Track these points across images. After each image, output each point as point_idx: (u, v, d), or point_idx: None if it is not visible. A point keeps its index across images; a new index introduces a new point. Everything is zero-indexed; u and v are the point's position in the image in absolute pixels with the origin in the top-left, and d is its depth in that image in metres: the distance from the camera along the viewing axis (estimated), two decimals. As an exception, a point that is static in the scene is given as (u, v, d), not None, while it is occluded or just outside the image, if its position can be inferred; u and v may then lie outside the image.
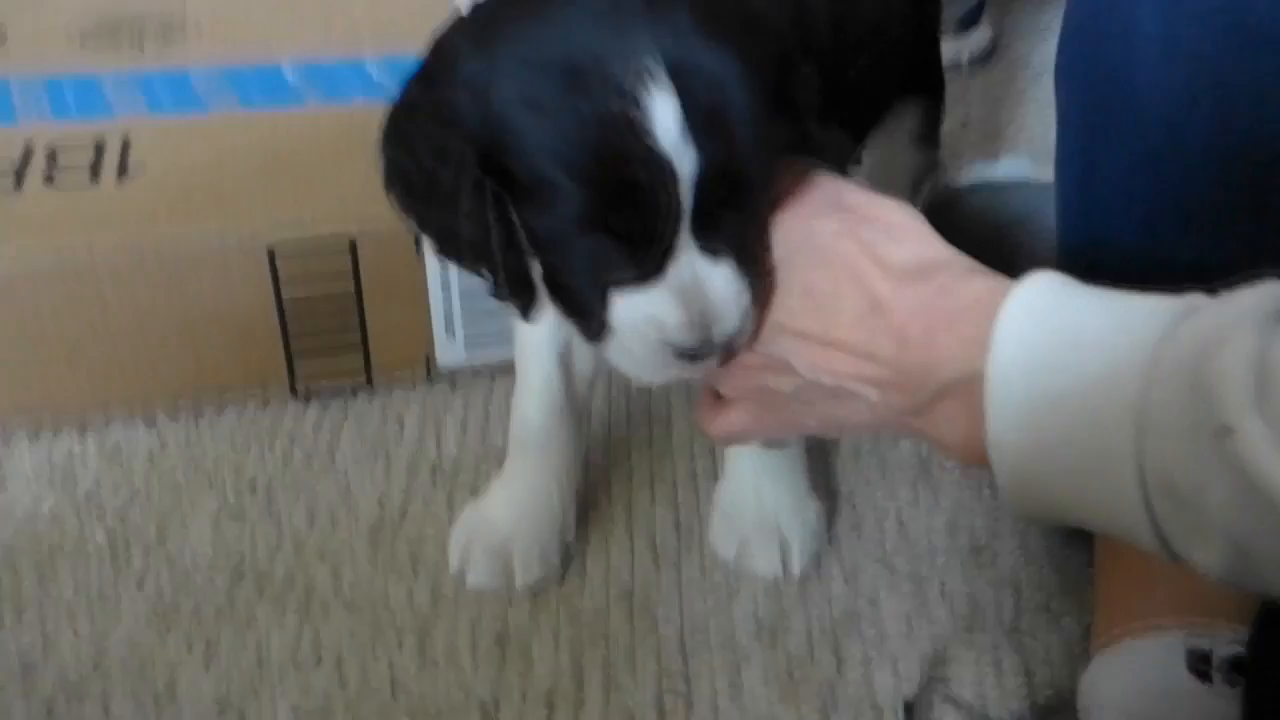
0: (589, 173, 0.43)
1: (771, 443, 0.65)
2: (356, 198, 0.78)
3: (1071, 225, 0.64)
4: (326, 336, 0.80)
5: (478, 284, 0.77)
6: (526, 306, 0.51)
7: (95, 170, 0.81)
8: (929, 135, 0.85)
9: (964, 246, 0.48)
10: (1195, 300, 0.39)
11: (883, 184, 0.81)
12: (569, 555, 0.69)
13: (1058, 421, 0.39)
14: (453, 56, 0.47)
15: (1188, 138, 0.55)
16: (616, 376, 0.61)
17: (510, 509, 0.67)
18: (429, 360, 0.82)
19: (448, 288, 0.80)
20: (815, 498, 0.69)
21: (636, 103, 0.42)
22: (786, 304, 0.48)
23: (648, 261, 0.45)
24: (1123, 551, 0.54)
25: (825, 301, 0.47)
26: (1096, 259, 0.60)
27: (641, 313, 0.46)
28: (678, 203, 0.44)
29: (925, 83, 0.83)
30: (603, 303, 0.47)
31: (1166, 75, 0.55)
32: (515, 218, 0.47)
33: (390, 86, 0.91)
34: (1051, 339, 0.41)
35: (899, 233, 0.48)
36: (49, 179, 0.80)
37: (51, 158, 0.82)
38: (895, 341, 0.45)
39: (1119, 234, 0.59)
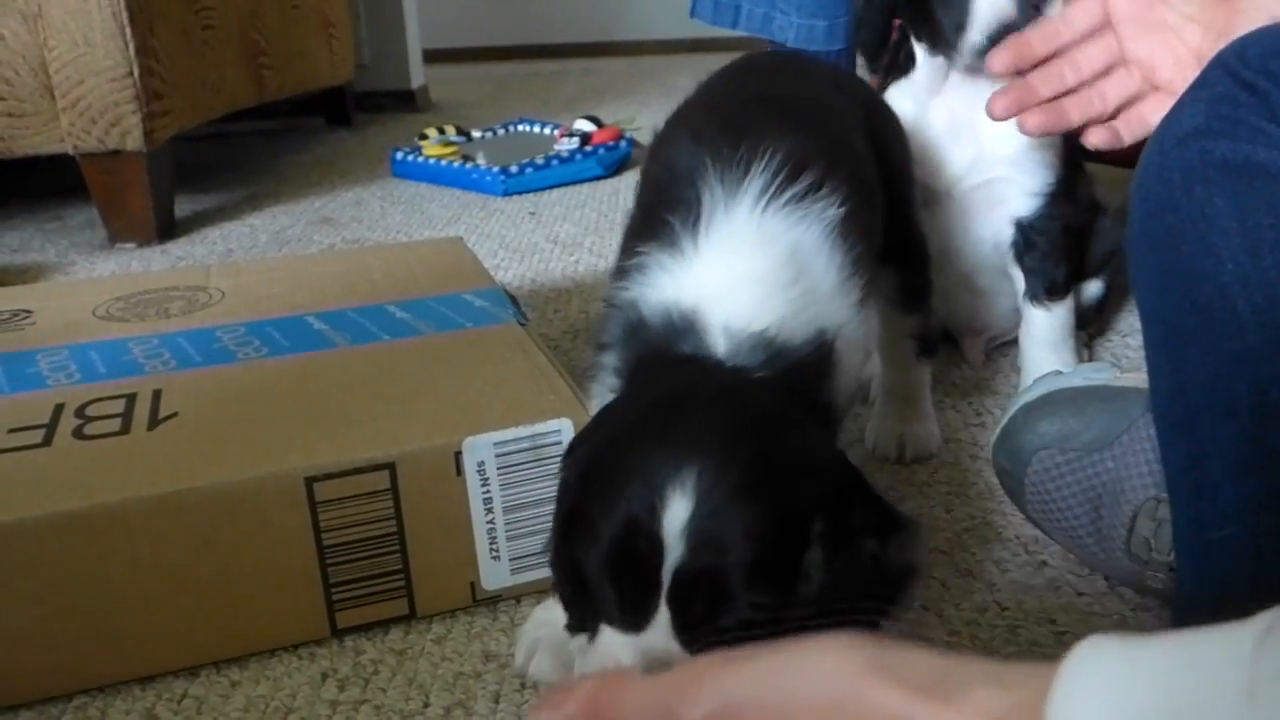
0: (608, 534, 0.52)
1: None
2: (394, 427, 0.78)
3: (1169, 428, 0.60)
4: (369, 583, 0.76)
5: (520, 502, 0.77)
6: (577, 621, 0.58)
7: (126, 422, 0.80)
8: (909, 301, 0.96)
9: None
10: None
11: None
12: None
13: None
14: (567, 453, 0.62)
15: None
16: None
17: None
18: (473, 586, 0.78)
19: (491, 507, 0.77)
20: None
21: (657, 497, 0.51)
22: None
23: (633, 618, 0.52)
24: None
25: None
26: (1201, 477, 0.58)
27: (606, 645, 0.53)
28: (658, 581, 0.51)
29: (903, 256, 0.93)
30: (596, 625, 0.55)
31: (1254, 268, 0.54)
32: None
33: (415, 325, 0.95)
34: None
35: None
36: (78, 433, 0.79)
37: (81, 413, 0.81)
38: None
39: (1221, 442, 0.56)
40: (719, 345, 0.60)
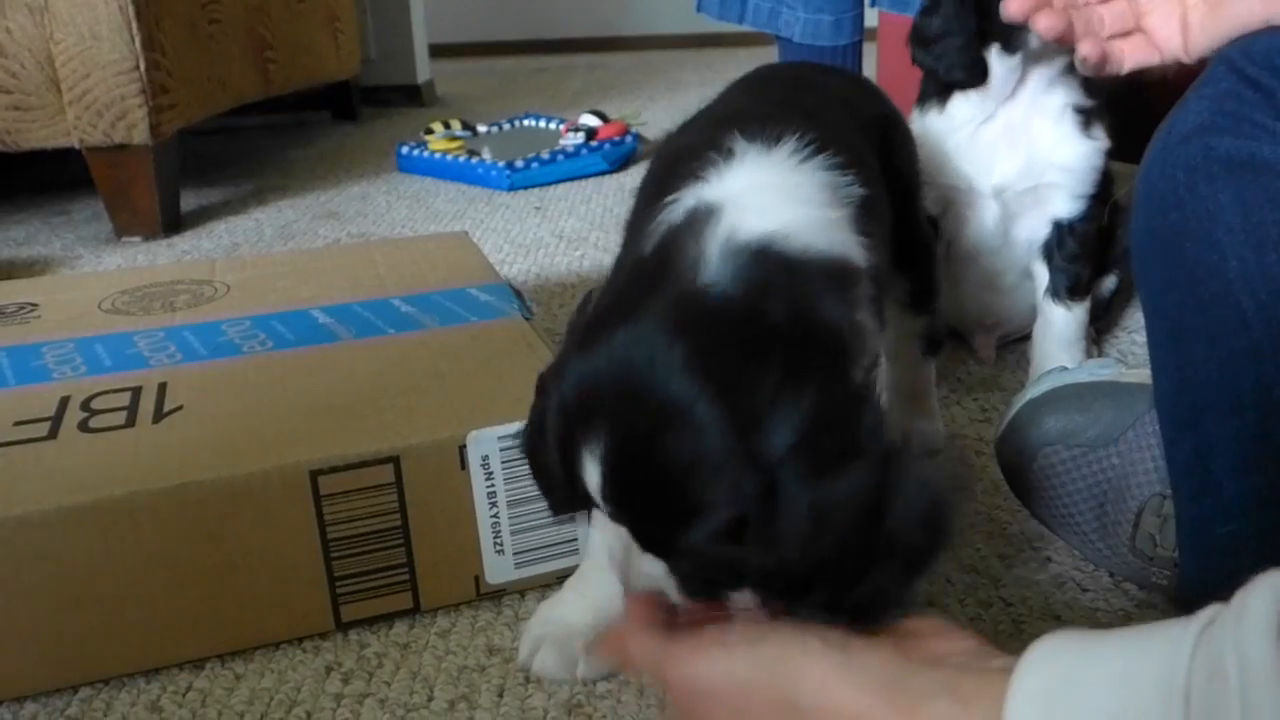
0: (561, 461, 0.54)
1: None
2: (398, 421, 0.78)
3: (1173, 425, 0.61)
4: (373, 577, 0.76)
5: (524, 496, 0.77)
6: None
7: (132, 415, 0.80)
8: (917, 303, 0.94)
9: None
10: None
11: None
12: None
13: None
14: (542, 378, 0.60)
15: None
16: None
17: (580, 608, 0.71)
18: (477, 581, 0.78)
19: (495, 501, 0.77)
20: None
21: (578, 459, 0.52)
22: None
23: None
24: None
25: None
26: (1206, 474, 0.58)
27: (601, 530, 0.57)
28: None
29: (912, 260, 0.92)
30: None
31: (1258, 264, 0.54)
32: None
33: (420, 319, 0.95)
34: None
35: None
36: (84, 426, 0.79)
37: (87, 406, 0.81)
38: None
39: (1225, 438, 0.57)
40: (712, 250, 0.54)
